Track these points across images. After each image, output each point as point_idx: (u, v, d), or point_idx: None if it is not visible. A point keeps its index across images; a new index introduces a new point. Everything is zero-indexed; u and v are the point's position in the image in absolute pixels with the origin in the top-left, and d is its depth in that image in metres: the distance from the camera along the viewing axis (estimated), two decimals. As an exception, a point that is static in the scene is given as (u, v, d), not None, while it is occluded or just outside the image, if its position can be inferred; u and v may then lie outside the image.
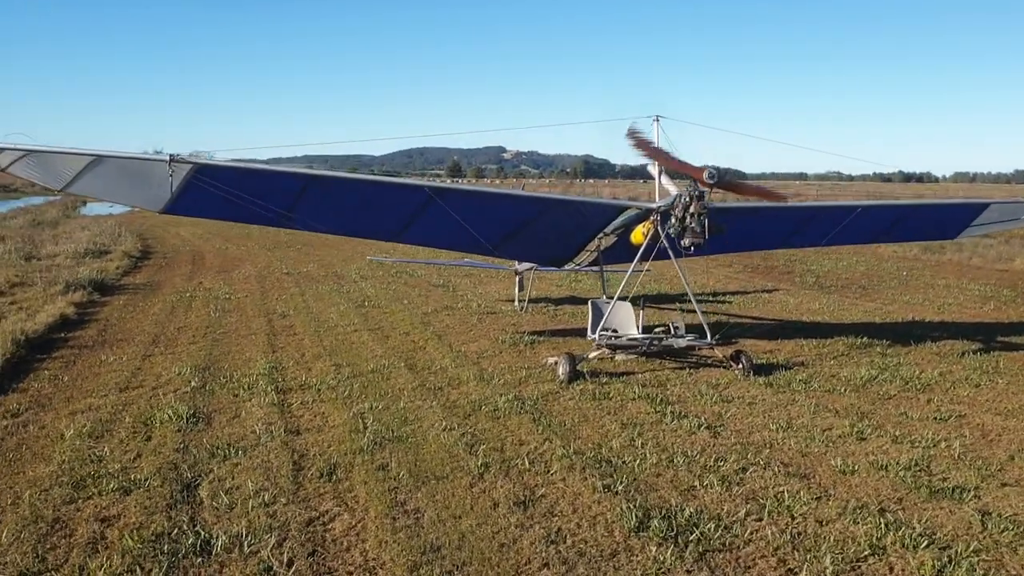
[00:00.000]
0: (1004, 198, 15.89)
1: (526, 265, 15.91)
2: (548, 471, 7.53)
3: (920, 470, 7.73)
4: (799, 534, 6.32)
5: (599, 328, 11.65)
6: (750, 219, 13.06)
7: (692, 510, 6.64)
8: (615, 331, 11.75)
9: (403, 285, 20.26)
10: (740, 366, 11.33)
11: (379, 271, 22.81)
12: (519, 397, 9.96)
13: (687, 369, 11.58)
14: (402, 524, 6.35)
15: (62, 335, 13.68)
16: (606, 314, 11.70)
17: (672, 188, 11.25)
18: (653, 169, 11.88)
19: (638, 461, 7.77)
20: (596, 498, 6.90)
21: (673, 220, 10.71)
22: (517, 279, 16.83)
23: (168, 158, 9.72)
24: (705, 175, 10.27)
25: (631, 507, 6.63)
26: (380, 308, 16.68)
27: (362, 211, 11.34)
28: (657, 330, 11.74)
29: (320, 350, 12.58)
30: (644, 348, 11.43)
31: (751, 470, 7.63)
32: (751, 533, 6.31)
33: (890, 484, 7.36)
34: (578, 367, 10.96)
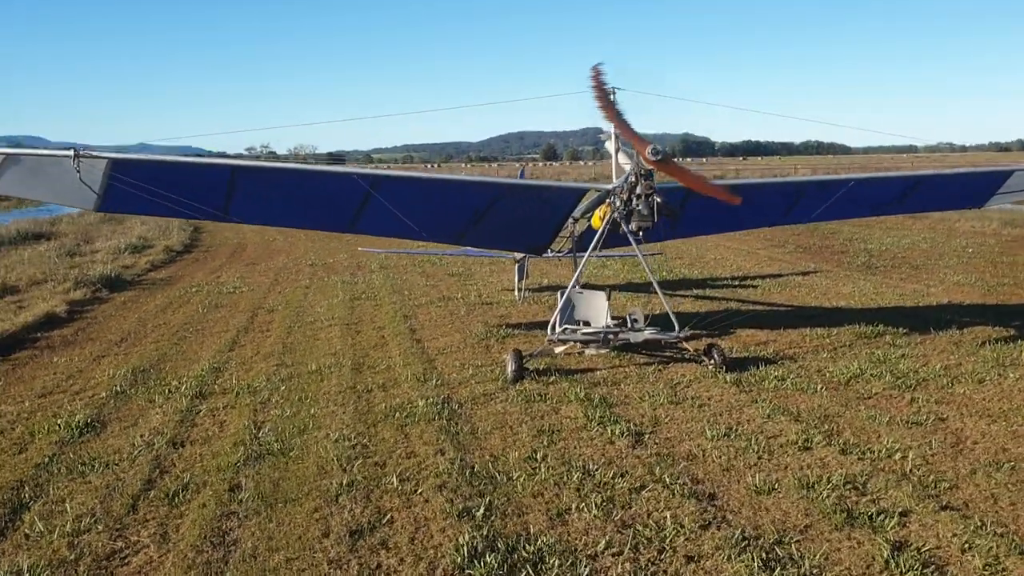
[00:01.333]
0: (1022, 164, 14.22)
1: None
2: (415, 491, 6.72)
3: (853, 488, 6.64)
4: (655, 574, 5.36)
5: (563, 320, 10.74)
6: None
7: (545, 541, 5.75)
8: (587, 323, 10.83)
9: (417, 275, 19.57)
10: (712, 361, 10.28)
11: (403, 261, 22.19)
12: (448, 400, 9.16)
13: (655, 365, 10.56)
14: (203, 559, 5.64)
15: (38, 335, 13.48)
16: (564, 306, 10.76)
17: (627, 166, 10.22)
18: (610, 144, 10.86)
19: (524, 478, 6.90)
20: (443, 526, 6.06)
21: (618, 202, 9.71)
22: (517, 267, 15.94)
23: (73, 153, 9.19)
24: (648, 151, 9.21)
25: (476, 537, 5.78)
26: (374, 300, 16.04)
27: (302, 203, 10.66)
28: (611, 323, 10.72)
29: (276, 348, 12.00)
30: (602, 343, 10.46)
31: (649, 488, 6.67)
32: (596, 573, 5.38)
33: (806, 507, 6.31)
34: (526, 364, 10.10)
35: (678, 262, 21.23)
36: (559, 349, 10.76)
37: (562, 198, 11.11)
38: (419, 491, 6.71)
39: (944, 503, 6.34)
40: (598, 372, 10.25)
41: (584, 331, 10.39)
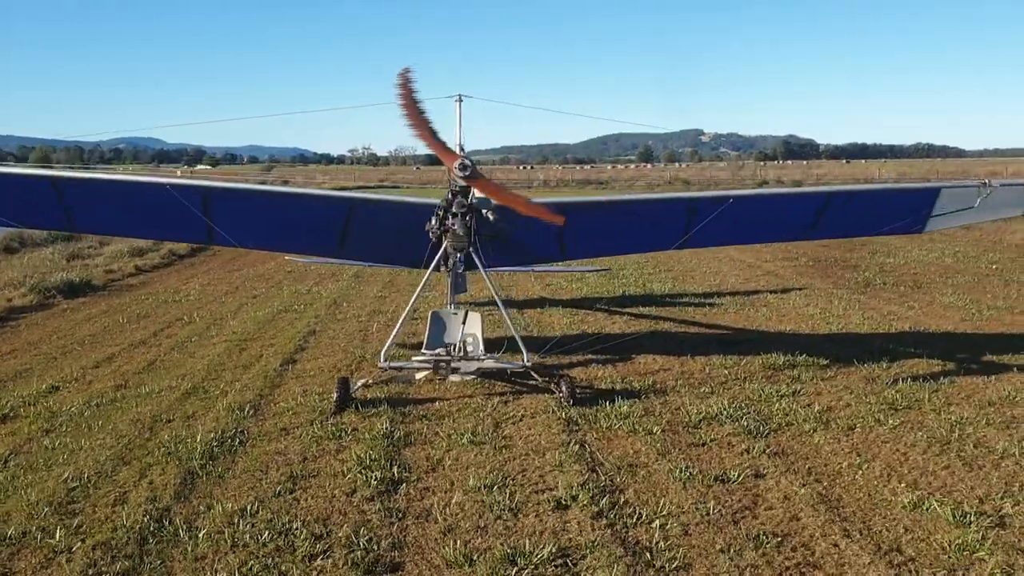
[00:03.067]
0: (953, 181, 12.67)
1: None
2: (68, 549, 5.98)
3: (558, 566, 5.64)
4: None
5: (431, 343, 9.92)
6: (593, 216, 11.01)
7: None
8: (465, 343, 9.95)
9: (382, 286, 18.82)
10: (560, 393, 9.31)
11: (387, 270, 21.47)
12: (236, 435, 8.37)
13: (509, 396, 9.64)
14: None
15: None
16: (399, 329, 9.93)
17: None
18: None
19: (204, 538, 6.09)
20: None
21: (433, 220, 8.82)
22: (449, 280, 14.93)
23: None
24: (456, 165, 8.30)
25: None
26: (299, 313, 15.40)
27: (137, 213, 10.16)
28: (439, 350, 9.81)
29: (140, 366, 11.47)
30: (435, 370, 9.61)
31: (320, 559, 5.79)
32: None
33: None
34: (353, 393, 9.31)
35: (664, 274, 20.11)
36: (420, 375, 9.96)
37: (416, 212, 10.25)
38: (73, 549, 5.98)
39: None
40: (433, 404, 9.37)
41: (416, 358, 9.55)
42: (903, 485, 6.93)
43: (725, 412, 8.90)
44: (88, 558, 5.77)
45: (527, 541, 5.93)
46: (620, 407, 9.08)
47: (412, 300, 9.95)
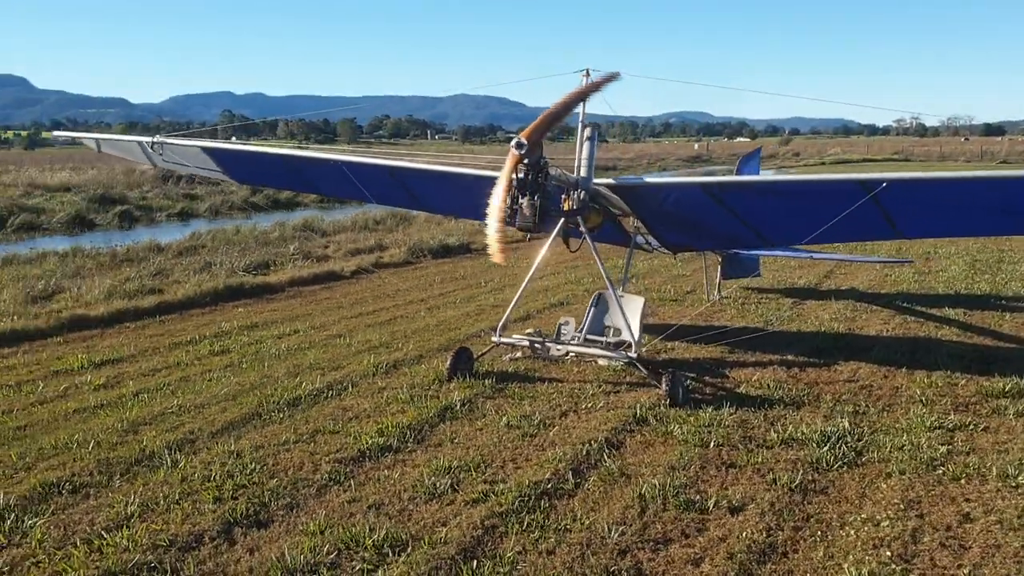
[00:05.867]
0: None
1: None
2: None
3: None
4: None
5: (585, 327, 9.76)
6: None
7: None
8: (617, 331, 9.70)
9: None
10: (663, 389, 8.56)
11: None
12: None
13: (602, 385, 9.15)
14: None
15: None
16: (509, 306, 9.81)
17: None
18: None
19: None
20: None
21: (507, 197, 8.58)
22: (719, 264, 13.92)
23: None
24: (513, 144, 8.10)
25: None
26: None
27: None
28: (528, 331, 9.37)
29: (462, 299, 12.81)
30: (532, 352, 9.37)
31: None
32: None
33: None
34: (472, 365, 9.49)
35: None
36: (511, 355, 9.87)
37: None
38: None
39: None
40: (534, 384, 9.18)
41: (516, 336, 9.44)
42: None
43: (836, 444, 7.40)
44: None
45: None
46: (713, 415, 8.07)
47: (530, 274, 9.68)
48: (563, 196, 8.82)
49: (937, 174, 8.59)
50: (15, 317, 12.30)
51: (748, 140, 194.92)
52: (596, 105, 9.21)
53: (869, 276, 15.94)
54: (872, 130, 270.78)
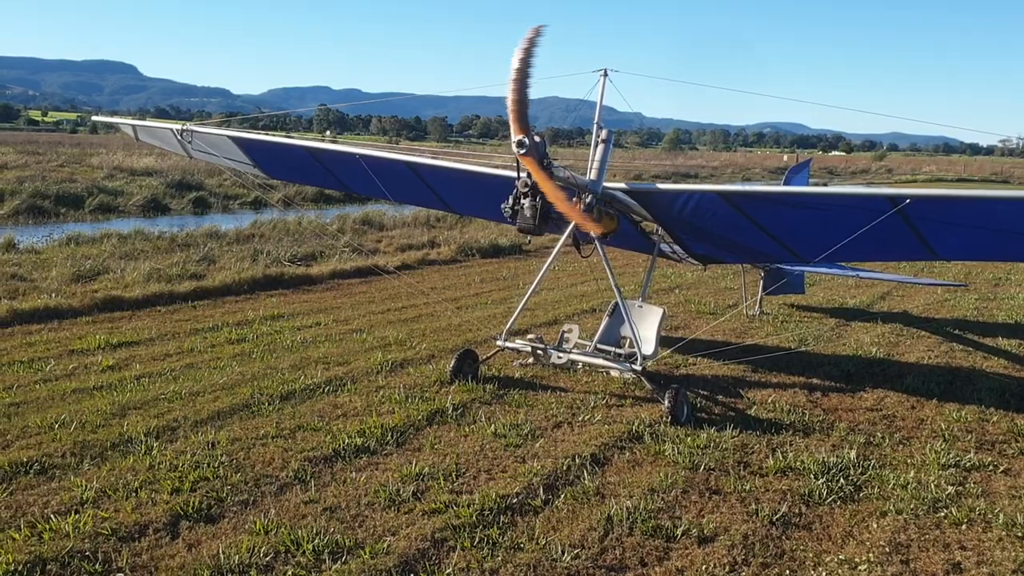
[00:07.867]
0: None
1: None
2: None
3: None
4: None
5: (598, 336, 9.51)
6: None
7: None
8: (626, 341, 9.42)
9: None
10: (665, 406, 8.20)
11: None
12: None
13: (606, 398, 8.79)
14: None
15: None
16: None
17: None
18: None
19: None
20: None
21: (510, 198, 8.30)
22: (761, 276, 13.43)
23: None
24: (513, 142, 7.76)
25: None
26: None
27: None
28: (529, 336, 9.04)
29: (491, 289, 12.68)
30: (535, 358, 9.09)
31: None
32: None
33: None
34: (481, 363, 9.30)
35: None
36: (520, 361, 9.60)
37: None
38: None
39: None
40: (534, 393, 8.91)
41: (518, 341, 9.14)
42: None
43: (835, 476, 6.95)
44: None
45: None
46: (713, 437, 7.68)
47: (539, 277, 9.40)
48: (573, 199, 8.50)
49: (961, 192, 7.94)
50: (53, 295, 12.52)
51: (843, 154, 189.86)
52: (624, 103, 8.94)
53: (926, 300, 15.12)
54: (975, 150, 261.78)
